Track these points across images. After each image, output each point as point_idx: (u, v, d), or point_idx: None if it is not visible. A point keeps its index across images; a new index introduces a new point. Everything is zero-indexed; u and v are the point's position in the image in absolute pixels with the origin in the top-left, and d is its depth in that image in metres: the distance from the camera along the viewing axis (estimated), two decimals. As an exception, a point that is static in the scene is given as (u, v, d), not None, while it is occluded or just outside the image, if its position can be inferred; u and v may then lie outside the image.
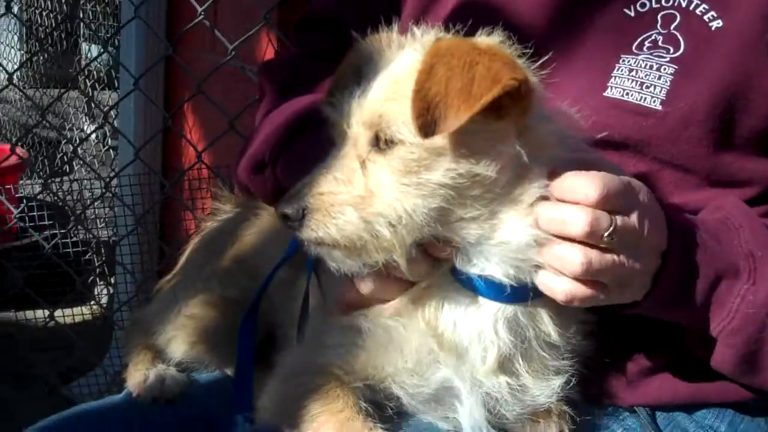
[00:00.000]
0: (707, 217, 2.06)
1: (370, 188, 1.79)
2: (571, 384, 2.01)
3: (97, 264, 6.01)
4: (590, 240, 1.78)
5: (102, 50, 4.56)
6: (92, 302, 5.49)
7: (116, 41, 6.07)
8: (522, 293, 1.88)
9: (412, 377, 1.94)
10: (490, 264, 1.86)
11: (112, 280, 5.82)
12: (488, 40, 1.81)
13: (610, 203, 1.78)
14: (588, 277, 1.80)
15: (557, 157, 1.83)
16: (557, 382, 1.99)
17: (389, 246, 1.80)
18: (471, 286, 1.90)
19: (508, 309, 1.90)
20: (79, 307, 5.91)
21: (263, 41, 4.49)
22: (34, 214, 5.64)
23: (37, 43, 8.26)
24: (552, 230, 1.80)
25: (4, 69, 6.10)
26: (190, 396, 2.56)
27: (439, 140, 1.73)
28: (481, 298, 1.90)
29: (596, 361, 2.06)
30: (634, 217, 1.81)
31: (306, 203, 1.79)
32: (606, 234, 1.77)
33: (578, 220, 1.77)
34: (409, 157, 1.76)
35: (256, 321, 2.35)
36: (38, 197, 5.95)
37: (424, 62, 1.70)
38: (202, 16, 4.09)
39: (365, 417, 1.91)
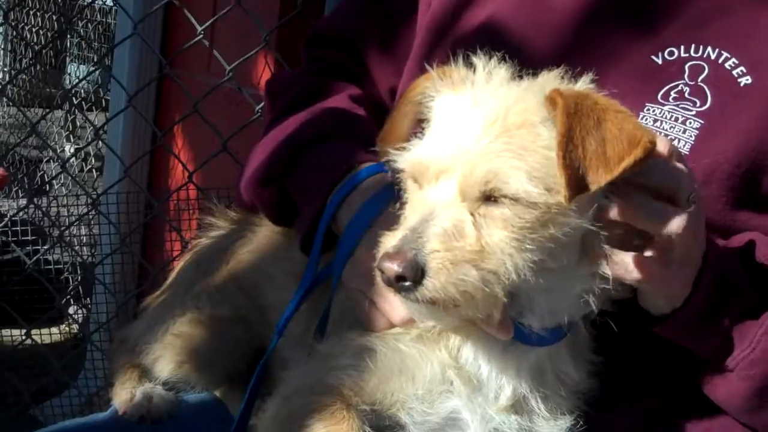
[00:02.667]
0: (734, 245, 2.03)
1: (482, 243, 1.70)
2: (579, 422, 1.98)
3: (72, 285, 5.89)
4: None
5: (94, 69, 4.48)
6: (68, 322, 5.36)
7: (106, 61, 6.01)
8: (556, 335, 1.87)
9: (421, 404, 1.89)
10: (536, 314, 1.84)
11: (88, 300, 5.72)
12: (588, 88, 1.78)
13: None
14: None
15: None
16: (566, 422, 1.96)
17: (495, 302, 1.73)
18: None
19: (536, 350, 1.89)
20: (55, 327, 5.79)
21: (260, 64, 4.46)
22: (9, 229, 5.52)
23: (24, 61, 8.18)
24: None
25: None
26: (177, 416, 2.47)
27: (561, 197, 1.68)
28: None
29: (600, 401, 2.01)
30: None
31: (425, 262, 1.67)
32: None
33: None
34: (528, 215, 1.69)
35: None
36: (16, 215, 5.82)
37: (563, 124, 1.64)
38: (201, 35, 4.04)
39: (369, 442, 1.86)
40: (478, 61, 1.85)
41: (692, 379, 2.07)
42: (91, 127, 5.44)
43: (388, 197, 2.01)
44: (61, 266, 5.71)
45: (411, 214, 1.76)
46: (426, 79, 1.87)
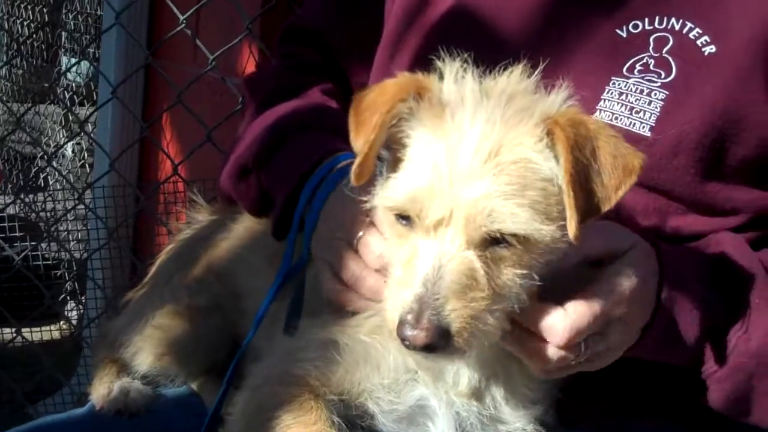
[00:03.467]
0: (707, 256, 2.01)
1: (493, 286, 1.69)
2: (549, 411, 1.98)
3: (68, 281, 5.87)
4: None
5: (77, 61, 4.45)
6: (62, 321, 5.34)
7: (95, 54, 5.98)
8: None
9: (388, 394, 1.90)
10: None
11: (83, 299, 5.70)
12: (575, 109, 1.76)
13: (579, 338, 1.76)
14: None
15: None
16: (534, 411, 1.96)
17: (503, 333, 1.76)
18: None
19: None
20: (48, 326, 5.77)
21: (245, 53, 4.42)
22: (5, 225, 5.50)
23: (16, 54, 8.15)
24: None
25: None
26: (154, 410, 2.46)
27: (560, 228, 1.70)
28: None
29: (572, 386, 1.99)
30: (605, 339, 1.80)
31: (448, 324, 1.65)
32: (574, 361, 1.78)
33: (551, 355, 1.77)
34: (535, 251, 1.71)
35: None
36: (2, 211, 5.79)
37: (569, 162, 1.64)
38: (183, 25, 4.01)
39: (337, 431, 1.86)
40: (446, 67, 1.80)
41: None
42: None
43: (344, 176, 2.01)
44: (52, 263, 5.66)
45: (409, 261, 1.72)
46: (396, 97, 1.74)
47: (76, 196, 4.47)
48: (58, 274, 6.00)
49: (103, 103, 4.64)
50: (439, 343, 1.64)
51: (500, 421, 1.95)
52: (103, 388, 2.49)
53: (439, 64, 1.81)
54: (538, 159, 1.68)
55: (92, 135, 5.56)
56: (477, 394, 1.91)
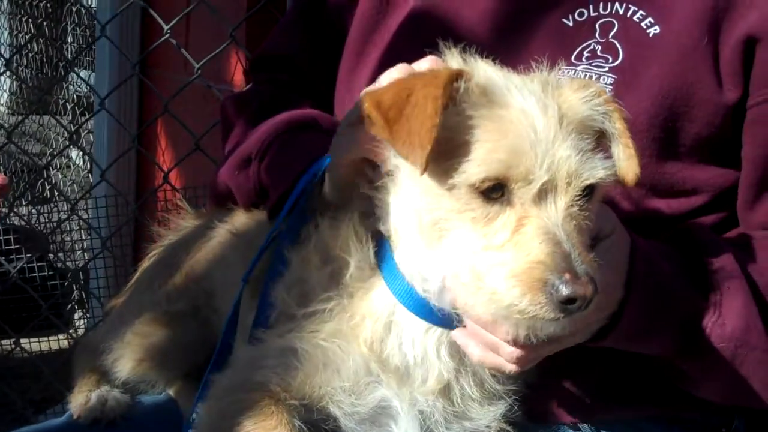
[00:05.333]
0: (675, 247, 2.02)
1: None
2: (514, 407, 1.99)
3: (75, 290, 5.91)
4: None
5: (65, 74, 4.48)
6: (70, 330, 5.38)
7: (82, 64, 6.01)
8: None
9: (349, 396, 1.91)
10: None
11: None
12: None
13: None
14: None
15: None
16: (500, 408, 1.97)
17: None
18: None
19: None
20: (55, 336, 5.81)
21: (233, 60, 4.44)
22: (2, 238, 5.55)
23: (24, 69, 8.23)
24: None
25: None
26: (132, 418, 2.47)
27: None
28: (425, 323, 1.89)
29: (539, 380, 2.01)
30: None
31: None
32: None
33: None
34: (597, 201, 1.80)
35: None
36: (8, 222, 5.85)
37: (620, 112, 1.82)
38: (168, 35, 4.04)
39: (298, 434, 1.87)
40: (450, 57, 1.85)
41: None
42: (85, 132, 5.47)
43: None
44: (48, 273, 5.70)
45: (515, 232, 1.70)
46: (448, 83, 1.71)
47: (68, 207, 4.50)
48: (64, 283, 6.05)
49: (92, 114, 4.68)
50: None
51: (466, 418, 1.96)
52: (81, 397, 2.51)
53: (446, 51, 1.86)
54: (594, 115, 1.79)
55: (91, 145, 5.59)
56: (445, 390, 1.92)
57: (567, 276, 1.63)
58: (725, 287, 1.95)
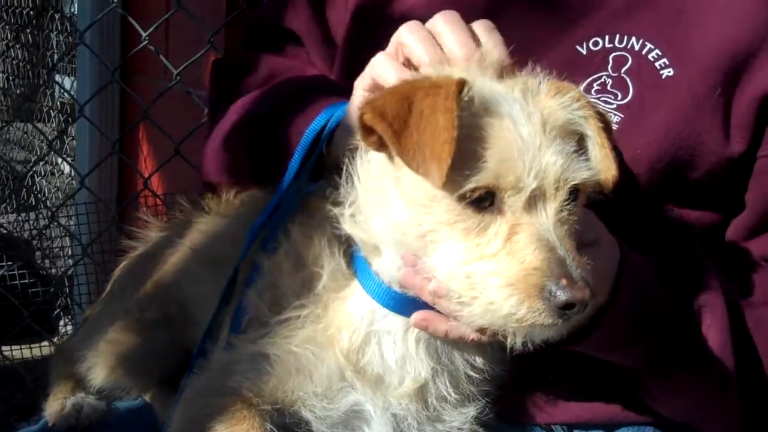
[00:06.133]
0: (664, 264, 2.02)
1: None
2: (486, 409, 1.99)
3: (60, 297, 5.89)
4: None
5: (37, 81, 4.47)
6: (56, 338, 5.36)
7: (61, 71, 5.99)
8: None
9: (321, 401, 1.91)
10: None
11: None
12: None
13: None
14: None
15: None
16: (472, 409, 1.97)
17: None
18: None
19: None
20: (38, 343, 5.79)
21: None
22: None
23: (8, 77, 8.20)
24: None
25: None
26: (108, 424, 2.48)
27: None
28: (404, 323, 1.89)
29: (511, 381, 2.01)
30: None
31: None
32: None
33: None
34: (582, 203, 1.81)
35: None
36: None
37: (596, 114, 1.81)
38: (146, 41, 4.03)
39: (270, 439, 1.87)
40: None
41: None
42: (69, 138, 5.44)
43: None
44: (29, 281, 5.68)
45: (507, 241, 1.69)
46: (456, 94, 1.69)
47: (48, 215, 4.49)
48: (49, 290, 6.03)
49: (74, 121, 4.67)
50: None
51: (438, 421, 1.96)
52: (56, 404, 2.50)
53: None
54: (574, 119, 1.79)
55: (57, 153, 5.54)
56: (420, 392, 1.92)
57: (564, 281, 1.63)
58: (706, 314, 1.94)
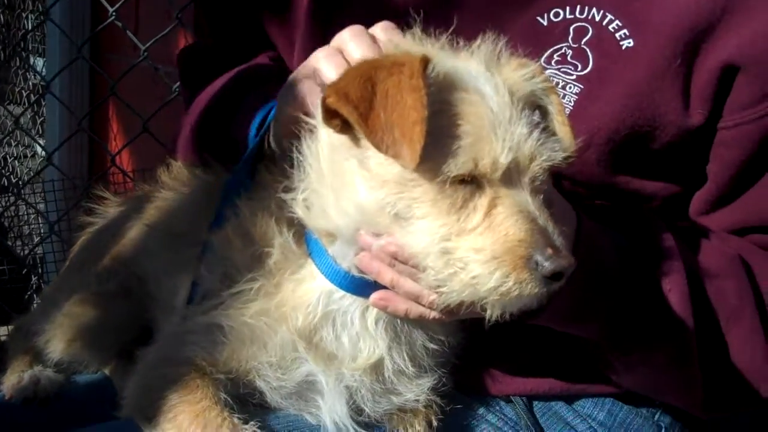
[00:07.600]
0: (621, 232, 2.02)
1: None
2: (442, 380, 2.00)
3: (33, 278, 5.84)
4: None
5: (16, 56, 4.42)
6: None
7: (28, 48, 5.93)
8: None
9: (275, 371, 1.91)
10: None
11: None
12: None
13: None
14: None
15: None
16: (428, 381, 1.97)
17: None
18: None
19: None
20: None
21: (181, 42, 4.40)
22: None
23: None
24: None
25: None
26: (66, 396, 2.46)
27: None
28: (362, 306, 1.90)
29: (470, 352, 2.01)
30: None
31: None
32: None
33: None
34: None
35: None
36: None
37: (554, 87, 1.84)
38: (113, 17, 3.99)
39: (223, 407, 1.86)
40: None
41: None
42: (41, 119, 5.38)
43: None
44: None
45: (488, 216, 1.69)
46: (421, 72, 1.67)
47: (13, 191, 4.45)
48: (23, 272, 5.98)
49: (37, 98, 4.62)
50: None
51: (394, 393, 1.97)
52: (14, 378, 2.49)
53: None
54: (536, 91, 1.81)
55: (24, 131, 5.48)
56: (376, 366, 1.91)
57: (549, 251, 1.64)
58: (665, 279, 1.94)
